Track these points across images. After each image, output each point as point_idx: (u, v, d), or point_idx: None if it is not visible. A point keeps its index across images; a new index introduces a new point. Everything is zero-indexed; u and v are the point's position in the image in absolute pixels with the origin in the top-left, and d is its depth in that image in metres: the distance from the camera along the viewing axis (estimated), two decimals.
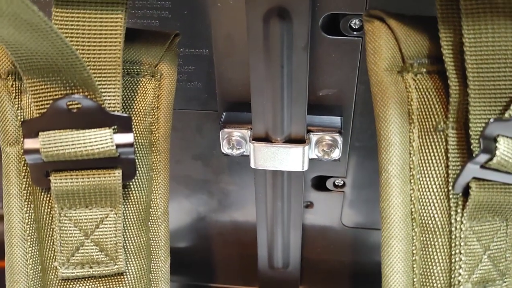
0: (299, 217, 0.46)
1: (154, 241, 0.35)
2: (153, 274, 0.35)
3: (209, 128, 0.43)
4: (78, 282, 0.33)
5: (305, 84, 0.36)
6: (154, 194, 0.34)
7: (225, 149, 0.41)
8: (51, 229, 0.32)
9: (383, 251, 0.29)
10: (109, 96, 0.30)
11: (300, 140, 0.39)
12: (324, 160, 0.40)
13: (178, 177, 0.47)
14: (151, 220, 0.35)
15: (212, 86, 0.41)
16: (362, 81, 0.39)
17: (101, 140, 0.30)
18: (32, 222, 0.33)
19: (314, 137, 0.40)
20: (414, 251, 0.29)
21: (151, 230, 0.35)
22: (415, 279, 0.29)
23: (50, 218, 0.32)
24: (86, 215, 0.32)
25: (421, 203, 0.29)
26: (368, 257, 0.52)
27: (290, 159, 0.39)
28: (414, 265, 0.29)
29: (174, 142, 0.44)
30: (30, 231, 0.33)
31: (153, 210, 0.35)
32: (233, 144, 0.41)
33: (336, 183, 0.46)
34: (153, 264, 0.35)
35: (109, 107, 0.30)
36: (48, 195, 0.32)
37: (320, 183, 0.47)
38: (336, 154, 0.40)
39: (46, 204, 0.32)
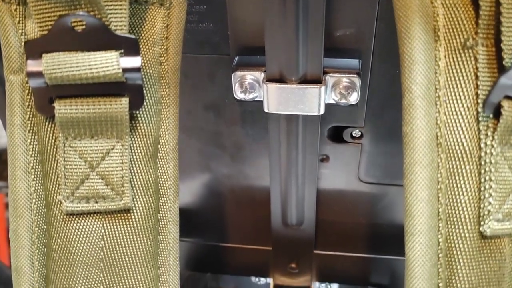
0: (314, 170, 0.44)
1: (163, 179, 0.33)
2: (161, 214, 0.34)
3: (221, 74, 0.42)
4: (83, 218, 0.32)
5: (321, 18, 0.34)
6: (163, 130, 0.33)
7: (237, 93, 0.39)
8: (56, 161, 0.31)
9: (406, 179, 0.27)
10: (115, 17, 0.28)
11: (316, 81, 0.37)
12: (341, 104, 0.39)
13: (190, 129, 0.46)
14: (159, 157, 0.33)
15: (224, 28, 0.39)
16: (382, 18, 0.37)
17: (107, 62, 0.28)
18: (36, 155, 0.31)
19: (331, 79, 0.38)
20: (440, 179, 0.27)
21: (160, 167, 0.33)
22: (440, 209, 0.27)
23: (55, 149, 0.31)
24: (91, 146, 0.31)
25: (448, 127, 0.27)
26: (387, 216, 0.49)
27: (306, 101, 0.38)
28: (439, 194, 0.27)
29: (184, 91, 0.43)
30: (34, 164, 0.31)
31: (161, 146, 0.33)
32: (246, 87, 0.39)
33: (354, 134, 0.44)
34: (161, 204, 0.34)
35: (115, 29, 0.28)
36: (53, 125, 0.31)
37: (336, 135, 0.45)
38: (354, 97, 0.38)
39: (51, 135, 0.31)
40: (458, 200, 0.27)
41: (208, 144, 0.47)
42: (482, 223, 0.27)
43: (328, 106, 0.39)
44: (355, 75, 0.38)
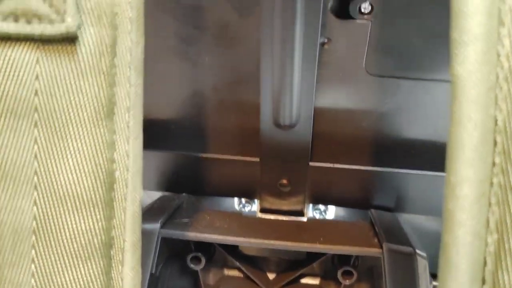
0: (314, 54, 0.37)
1: (122, 8, 0.25)
2: (118, 57, 0.25)
3: None
4: (11, 45, 0.23)
5: None
6: None
7: None
8: None
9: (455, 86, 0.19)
10: None
11: None
12: None
13: (162, 1, 0.38)
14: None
15: None
16: None
17: None
18: None
19: None
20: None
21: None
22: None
23: None
24: None
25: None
26: (396, 119, 0.42)
27: None
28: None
29: None
30: None
31: None
32: None
33: (362, 9, 0.37)
34: (119, 42, 0.25)
35: None
36: None
37: (342, 9, 0.37)
38: None
39: None
40: None
41: (185, 22, 0.38)
42: None
43: None
44: None
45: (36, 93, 0.24)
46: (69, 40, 0.24)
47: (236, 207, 0.50)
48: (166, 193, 0.48)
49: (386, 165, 0.43)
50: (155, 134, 0.45)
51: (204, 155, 0.45)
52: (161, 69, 0.41)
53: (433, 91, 0.40)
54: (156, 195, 0.48)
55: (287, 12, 0.34)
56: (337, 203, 0.47)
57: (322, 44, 0.39)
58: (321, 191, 0.46)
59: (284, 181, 0.45)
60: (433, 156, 0.43)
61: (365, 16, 0.37)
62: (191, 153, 0.45)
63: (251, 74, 0.41)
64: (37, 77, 0.24)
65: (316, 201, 0.47)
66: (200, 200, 0.48)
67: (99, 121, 0.25)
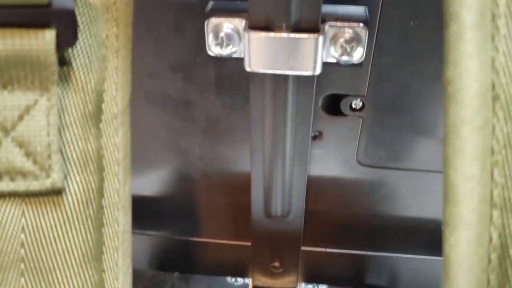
0: (305, 149, 0.36)
1: (108, 151, 0.25)
2: (106, 199, 0.25)
3: (191, 24, 0.33)
4: None
5: None
6: (109, 83, 0.24)
7: (211, 47, 0.31)
8: None
9: (448, 147, 0.19)
10: None
11: (313, 30, 0.29)
12: (342, 62, 0.31)
13: (152, 95, 0.37)
14: (103, 121, 0.24)
15: None
16: None
17: None
18: None
19: (330, 30, 0.30)
20: (496, 148, 0.19)
21: (104, 135, 0.25)
22: (494, 192, 0.19)
23: None
24: (3, 100, 0.22)
25: (508, 73, 0.19)
26: (389, 207, 0.42)
27: (298, 55, 0.29)
28: (495, 171, 0.19)
29: (147, 47, 0.35)
30: None
31: (106, 105, 0.24)
32: (222, 39, 0.31)
33: (353, 105, 0.36)
34: (106, 185, 0.25)
35: None
36: None
37: (332, 106, 0.37)
38: (359, 54, 0.30)
39: None
40: None
41: (175, 116, 0.38)
42: None
43: (324, 68, 0.31)
44: (361, 25, 0.30)
45: (22, 245, 0.24)
46: (55, 191, 0.24)
47: (228, 280, 0.50)
48: (158, 272, 0.47)
49: (379, 249, 0.43)
50: (147, 217, 0.44)
51: (195, 239, 0.44)
52: (152, 157, 0.41)
53: (425, 180, 0.40)
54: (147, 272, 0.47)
55: (277, 110, 0.34)
56: (330, 282, 0.47)
57: (314, 138, 0.38)
58: (313, 271, 0.46)
59: (276, 264, 0.44)
60: (426, 240, 0.43)
61: (357, 112, 0.37)
62: (182, 237, 0.45)
63: (243, 163, 0.40)
64: (23, 229, 0.24)
65: (309, 280, 0.47)
66: (193, 278, 0.48)
67: (87, 264, 0.25)
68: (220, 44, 0.31)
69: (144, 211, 0.44)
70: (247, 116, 0.37)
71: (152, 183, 0.42)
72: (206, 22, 0.30)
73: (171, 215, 0.44)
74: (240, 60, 0.31)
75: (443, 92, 0.19)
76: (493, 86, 0.19)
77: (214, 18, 0.30)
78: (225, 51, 0.31)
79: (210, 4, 0.31)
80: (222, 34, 0.30)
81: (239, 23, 0.30)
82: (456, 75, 0.19)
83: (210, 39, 0.31)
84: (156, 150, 0.40)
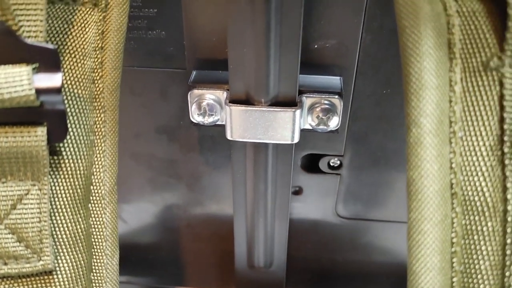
0: (285, 205, 0.38)
1: (97, 229, 0.26)
2: (95, 273, 0.26)
3: (175, 92, 0.35)
4: None
5: (298, 26, 0.28)
6: (97, 166, 0.26)
7: (194, 115, 0.32)
8: None
9: (411, 240, 0.21)
10: (27, 19, 0.21)
11: (290, 103, 0.31)
12: (319, 130, 0.32)
13: (139, 155, 0.39)
14: (92, 202, 0.26)
15: (179, 36, 0.32)
16: (369, 28, 0.31)
17: (15, 81, 0.21)
18: None
19: (307, 101, 0.32)
20: (454, 240, 0.21)
21: (93, 215, 0.26)
22: (454, 279, 0.21)
23: None
24: None
25: (465, 172, 0.21)
26: (366, 256, 0.43)
27: (277, 127, 0.31)
28: (454, 260, 0.21)
29: (133, 111, 0.36)
30: None
31: (95, 187, 0.26)
32: (204, 109, 0.32)
33: (331, 164, 0.38)
34: (95, 260, 0.26)
35: (27, 35, 0.21)
36: None
37: (311, 164, 0.39)
38: (335, 123, 0.32)
39: None
40: (478, 267, 0.21)
41: (160, 173, 0.40)
42: None
43: (303, 132, 0.33)
44: (336, 96, 0.31)
45: None
46: (46, 272, 0.25)
47: None
48: None
49: None
50: (134, 266, 0.45)
51: None
52: (136, 209, 0.42)
53: (399, 229, 0.41)
54: None
55: (258, 173, 0.35)
56: None
57: (295, 193, 0.40)
58: None
59: None
60: (403, 285, 0.44)
61: (335, 170, 0.38)
62: (168, 285, 0.46)
63: (226, 214, 0.42)
64: None
65: None
66: None
67: None
68: (203, 114, 0.32)
69: (130, 261, 0.45)
70: (229, 173, 0.38)
71: (138, 234, 0.44)
72: (189, 93, 0.32)
73: (157, 264, 0.46)
74: (222, 126, 0.33)
75: (406, 191, 0.21)
76: (451, 185, 0.21)
77: (196, 90, 0.32)
78: (207, 120, 0.32)
79: (193, 74, 0.33)
80: (204, 105, 0.32)
81: (221, 94, 0.32)
82: (417, 177, 0.20)
83: (193, 108, 0.32)
84: (142, 204, 0.42)
